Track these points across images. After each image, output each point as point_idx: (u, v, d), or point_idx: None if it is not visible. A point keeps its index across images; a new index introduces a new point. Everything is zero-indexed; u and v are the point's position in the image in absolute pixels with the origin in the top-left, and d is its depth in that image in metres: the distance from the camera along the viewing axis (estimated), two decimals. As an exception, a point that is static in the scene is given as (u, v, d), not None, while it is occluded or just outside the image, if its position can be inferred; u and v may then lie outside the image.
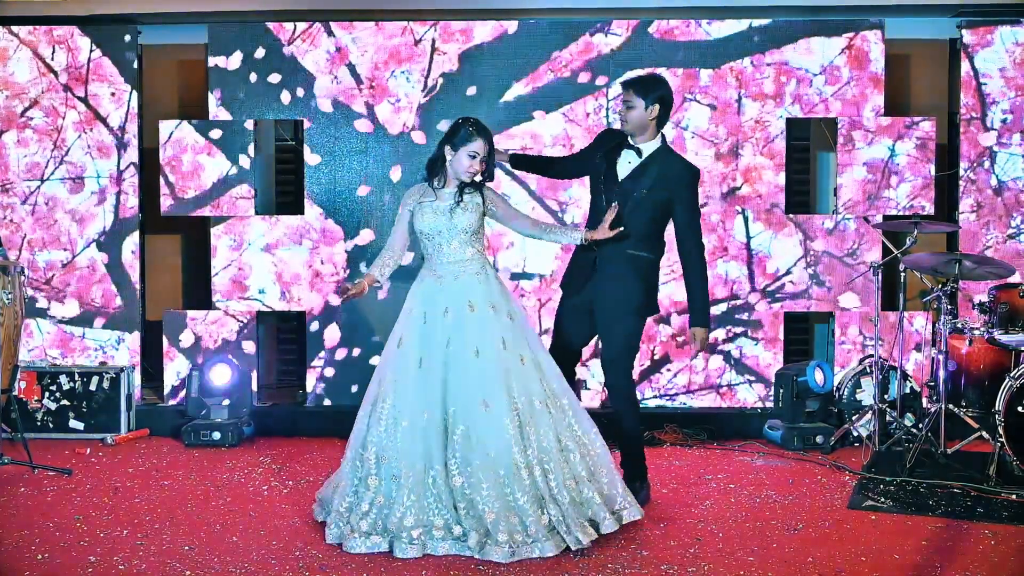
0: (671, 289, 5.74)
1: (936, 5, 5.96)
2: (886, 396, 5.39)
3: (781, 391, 5.57)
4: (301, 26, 5.94)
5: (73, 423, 5.69)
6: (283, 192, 6.30)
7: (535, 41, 5.91)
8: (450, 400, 3.85)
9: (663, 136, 4.32)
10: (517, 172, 5.86)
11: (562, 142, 5.87)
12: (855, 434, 5.39)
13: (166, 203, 5.98)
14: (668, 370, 5.94)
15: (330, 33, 5.93)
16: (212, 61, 5.94)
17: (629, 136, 4.28)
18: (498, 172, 5.83)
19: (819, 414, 5.50)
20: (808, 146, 6.22)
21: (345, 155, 5.95)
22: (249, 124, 5.95)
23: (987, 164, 5.94)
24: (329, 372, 5.95)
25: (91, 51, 5.99)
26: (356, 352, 5.92)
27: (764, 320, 5.93)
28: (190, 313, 6.01)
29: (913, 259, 5.13)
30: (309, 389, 5.97)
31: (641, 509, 3.98)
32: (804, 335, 6.33)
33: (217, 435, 5.48)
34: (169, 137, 5.95)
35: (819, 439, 5.36)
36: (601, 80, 5.89)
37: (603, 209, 4.26)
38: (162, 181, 5.97)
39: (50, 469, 4.88)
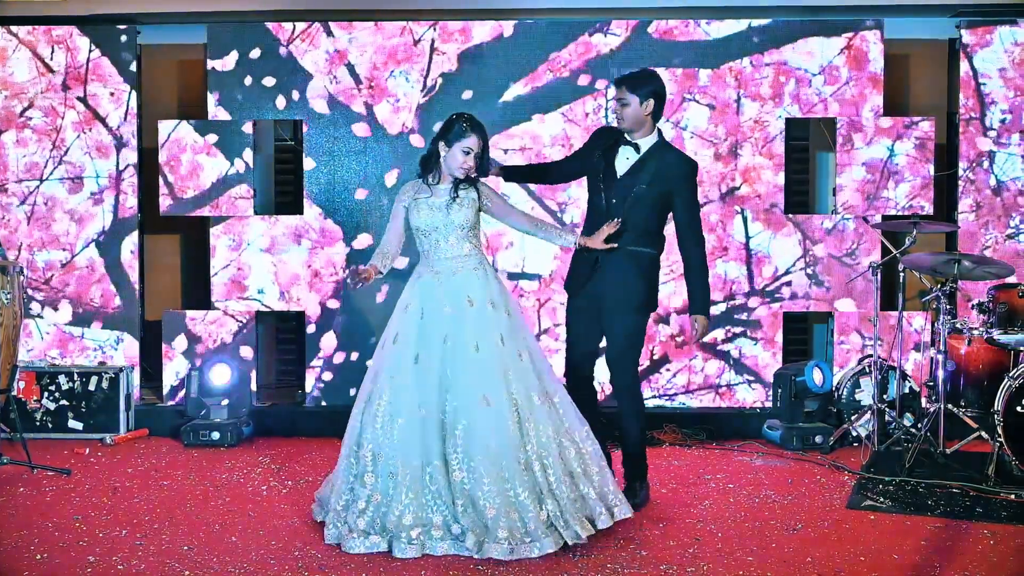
0: (670, 289, 5.75)
1: (935, 5, 5.96)
2: (885, 396, 5.40)
3: (779, 391, 5.57)
4: (300, 26, 5.94)
5: (72, 423, 5.69)
6: (282, 192, 6.30)
7: (534, 41, 5.92)
8: (450, 396, 3.84)
9: (660, 131, 4.33)
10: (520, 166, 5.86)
11: (561, 142, 5.87)
12: (854, 434, 5.39)
13: (165, 203, 5.98)
14: (667, 370, 5.95)
15: (329, 33, 5.93)
16: (211, 61, 5.94)
17: (626, 133, 4.28)
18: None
19: (818, 414, 5.50)
20: (807, 146, 6.23)
21: (344, 155, 5.95)
22: (248, 124, 5.95)
23: (986, 164, 5.94)
24: (327, 376, 5.95)
25: (90, 51, 5.99)
26: (354, 355, 5.92)
27: (763, 320, 5.94)
28: (189, 313, 6.01)
29: (912, 259, 5.13)
30: (308, 389, 5.97)
31: (631, 507, 4.01)
32: (803, 335, 6.33)
33: (216, 435, 5.48)
34: (168, 137, 5.95)
35: (818, 439, 5.37)
36: (600, 80, 5.89)
37: (602, 208, 4.27)
38: (161, 181, 5.97)
39: (49, 469, 4.87)
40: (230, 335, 5.96)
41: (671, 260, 4.60)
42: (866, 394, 5.53)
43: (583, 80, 5.91)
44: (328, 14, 6.02)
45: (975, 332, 5.13)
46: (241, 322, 5.96)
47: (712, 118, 5.90)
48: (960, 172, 5.95)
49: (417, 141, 5.90)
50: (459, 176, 4.00)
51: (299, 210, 6.03)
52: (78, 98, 6.00)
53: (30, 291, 5.94)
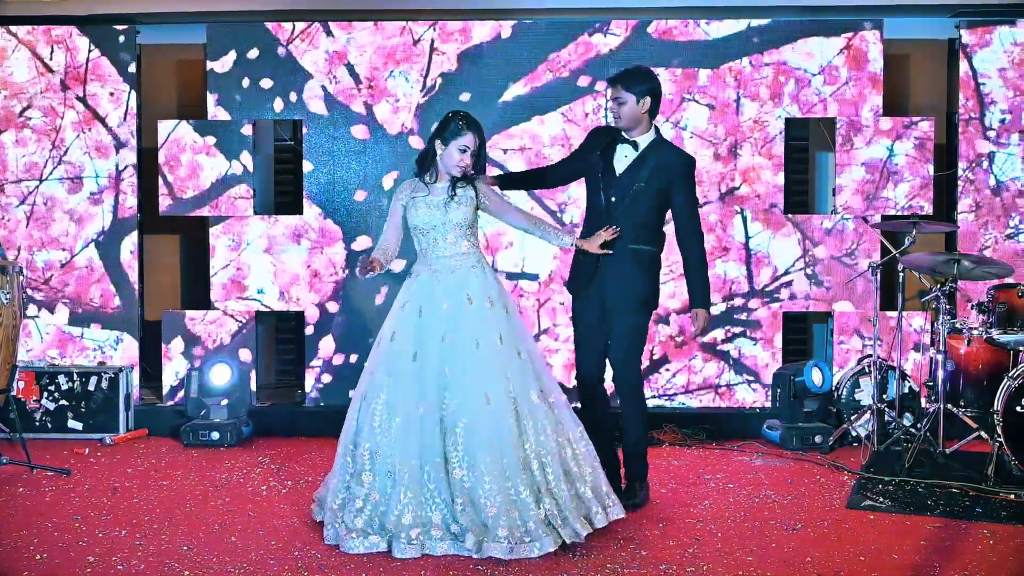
0: (670, 289, 5.75)
1: (935, 5, 5.97)
2: (885, 396, 5.39)
3: (779, 391, 5.57)
4: (300, 26, 5.94)
5: (72, 423, 5.68)
6: (282, 192, 6.30)
7: (534, 41, 5.92)
8: (449, 394, 3.83)
9: (657, 128, 4.33)
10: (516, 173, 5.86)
11: (561, 142, 5.87)
12: (854, 434, 5.39)
13: (165, 203, 5.98)
14: (667, 370, 5.95)
15: (329, 33, 5.93)
16: (210, 61, 5.94)
17: (623, 131, 4.28)
18: (498, 173, 5.86)
19: (818, 414, 5.50)
20: (807, 146, 6.23)
21: (344, 155, 5.95)
22: (248, 124, 5.95)
23: (985, 164, 5.94)
24: (327, 379, 5.96)
25: (89, 51, 5.99)
26: (353, 357, 5.91)
27: (762, 320, 5.94)
28: (189, 313, 6.01)
29: (912, 259, 5.13)
30: (307, 389, 5.97)
31: (623, 508, 4.02)
32: (803, 335, 6.33)
33: (216, 435, 5.47)
34: (168, 137, 5.95)
35: (818, 439, 5.37)
36: (600, 81, 5.88)
37: (601, 207, 4.27)
38: (161, 181, 5.96)
39: (49, 469, 4.87)
40: (229, 335, 5.96)
41: (670, 260, 4.61)
42: (866, 394, 5.53)
43: (583, 80, 5.91)
44: (328, 14, 6.02)
45: (975, 332, 5.13)
46: (241, 322, 5.96)
47: (712, 118, 5.90)
48: (960, 172, 5.95)
49: (417, 142, 5.90)
50: (456, 174, 3.99)
51: (299, 210, 6.03)
52: (78, 98, 6.00)
53: (29, 291, 5.94)
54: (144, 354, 6.08)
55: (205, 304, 6.01)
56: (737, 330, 5.95)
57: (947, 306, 5.11)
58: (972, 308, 5.27)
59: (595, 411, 4.41)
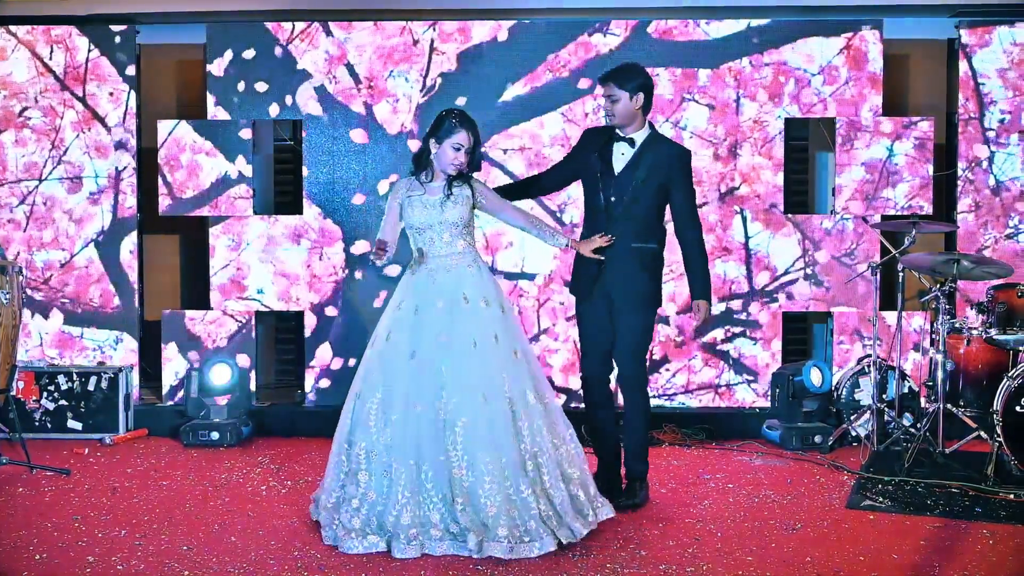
0: (670, 289, 5.75)
1: (934, 5, 5.96)
2: (884, 396, 5.39)
3: (778, 391, 5.58)
4: (300, 26, 5.94)
5: (71, 423, 5.68)
6: (281, 192, 6.30)
7: (533, 41, 5.91)
8: (446, 392, 3.82)
9: (651, 123, 4.33)
10: (516, 173, 5.87)
11: (561, 142, 5.87)
12: (853, 434, 5.39)
13: (164, 203, 5.97)
14: (667, 370, 5.95)
15: (328, 33, 5.93)
16: (210, 61, 5.94)
17: (618, 129, 4.28)
18: (498, 173, 5.88)
19: (817, 414, 5.50)
20: (807, 146, 6.23)
21: (343, 155, 5.95)
22: (247, 124, 5.94)
23: (985, 164, 5.94)
24: (325, 383, 5.95)
25: (89, 51, 5.99)
26: (352, 361, 5.92)
27: (762, 320, 5.94)
28: (188, 313, 6.00)
29: (911, 259, 5.13)
30: (307, 389, 5.97)
31: (623, 507, 4.04)
32: (803, 335, 6.33)
33: (215, 435, 5.47)
34: (168, 137, 5.95)
35: (817, 439, 5.37)
36: (600, 80, 5.88)
37: (601, 207, 4.27)
38: (160, 181, 5.96)
39: (48, 469, 4.87)
40: (229, 335, 5.96)
41: (670, 260, 4.61)
42: (865, 394, 5.53)
43: (583, 80, 5.91)
44: (327, 14, 6.02)
45: (974, 332, 5.13)
46: (240, 322, 5.96)
47: (711, 118, 5.90)
48: (959, 172, 5.95)
49: (416, 143, 5.90)
50: (451, 172, 3.99)
51: (298, 210, 6.03)
52: (77, 98, 6.00)
53: (29, 291, 5.94)
54: (144, 354, 6.08)
55: (205, 304, 6.01)
56: (737, 330, 5.95)
57: (947, 306, 5.11)
58: (972, 308, 5.27)
59: (600, 411, 4.42)
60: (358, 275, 5.94)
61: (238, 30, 5.94)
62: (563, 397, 5.90)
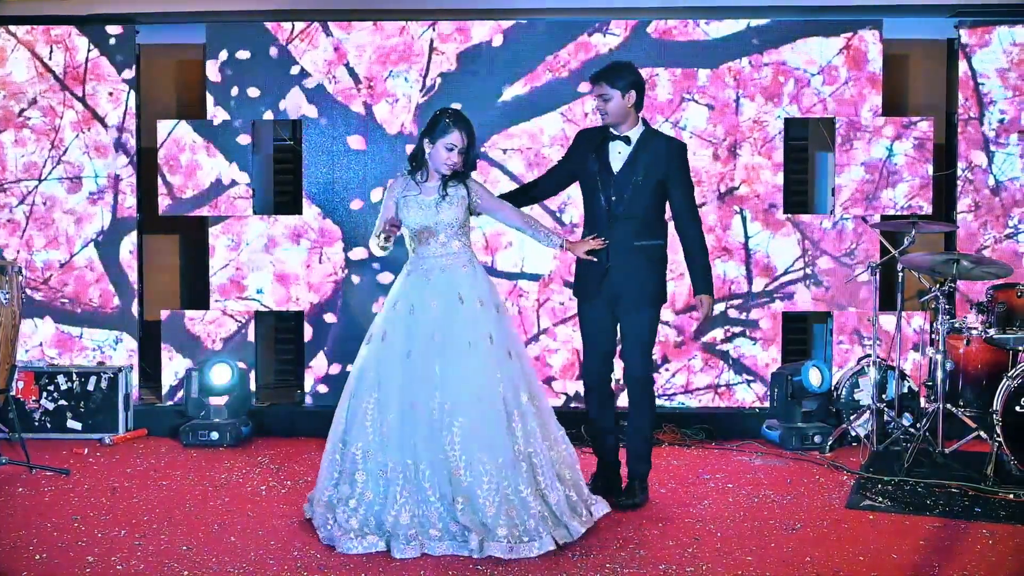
0: (669, 289, 5.72)
1: (934, 5, 5.97)
2: (884, 396, 5.39)
3: (777, 391, 5.58)
4: (299, 26, 5.94)
5: (71, 423, 5.68)
6: (281, 192, 6.30)
7: (533, 41, 5.91)
8: (442, 392, 3.82)
9: (644, 119, 4.33)
10: (515, 173, 5.87)
11: (560, 142, 5.86)
12: (853, 434, 5.39)
13: (164, 203, 5.97)
14: (666, 370, 5.94)
15: (328, 33, 5.93)
16: (209, 60, 5.93)
17: (612, 128, 4.28)
18: (497, 173, 5.88)
19: (817, 414, 5.50)
20: (806, 146, 6.22)
21: (343, 155, 5.95)
22: (247, 124, 5.94)
23: (984, 164, 5.94)
24: (320, 389, 5.95)
25: (89, 51, 5.98)
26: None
27: (762, 320, 5.94)
28: (188, 313, 6.00)
29: (911, 259, 5.13)
30: (307, 389, 5.96)
31: (608, 505, 4.05)
32: (802, 335, 6.33)
33: (215, 435, 5.47)
34: (167, 137, 5.95)
35: (817, 439, 5.37)
36: (599, 80, 5.88)
37: (602, 206, 4.26)
38: (160, 181, 5.96)
39: (48, 469, 4.87)
40: (229, 335, 5.96)
41: (670, 259, 4.61)
42: (865, 394, 5.53)
43: (583, 81, 5.91)
44: (327, 14, 6.02)
45: (974, 332, 5.13)
46: (240, 322, 5.96)
47: (711, 118, 5.90)
48: (959, 172, 5.95)
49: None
50: (444, 172, 3.98)
51: (298, 210, 6.03)
52: (77, 98, 6.00)
53: (29, 291, 5.94)
54: (143, 354, 6.08)
55: (204, 304, 6.01)
56: (737, 330, 5.95)
57: (946, 306, 5.12)
58: (971, 308, 5.27)
59: (601, 411, 4.42)
60: (354, 279, 5.93)
61: (237, 30, 5.94)
62: (563, 397, 5.90)
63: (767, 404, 5.84)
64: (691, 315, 5.89)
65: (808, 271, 5.93)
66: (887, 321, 5.74)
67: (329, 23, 5.93)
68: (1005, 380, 4.73)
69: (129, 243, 6.03)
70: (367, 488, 3.82)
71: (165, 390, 5.99)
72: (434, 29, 5.92)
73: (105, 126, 6.00)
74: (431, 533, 3.71)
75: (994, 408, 4.69)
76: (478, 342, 3.87)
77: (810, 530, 4.05)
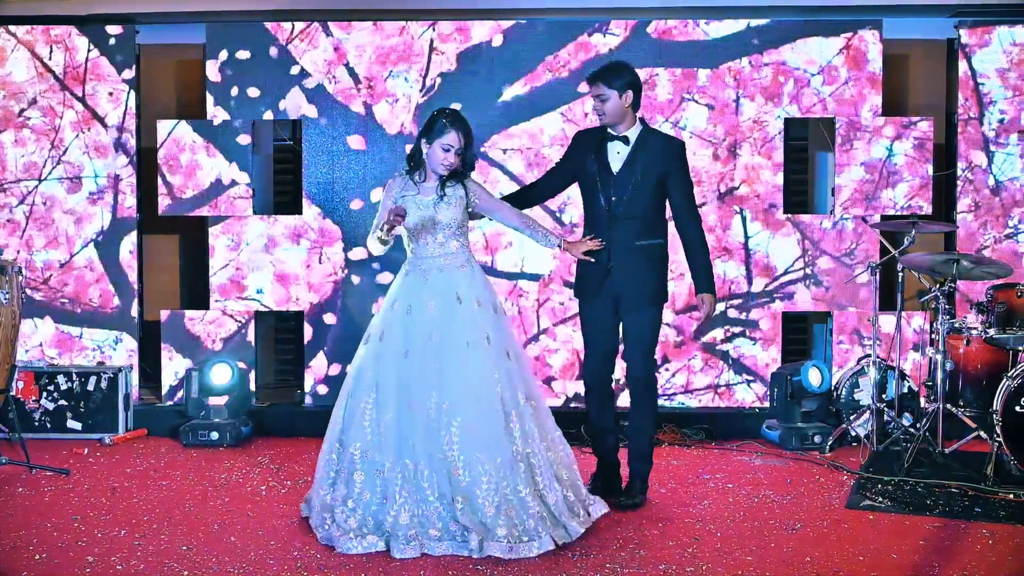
0: (669, 289, 5.73)
1: (934, 5, 5.97)
2: (884, 396, 5.40)
3: (776, 391, 5.58)
4: (299, 26, 5.94)
5: (71, 423, 5.68)
6: (281, 192, 6.30)
7: (533, 41, 5.91)
8: (439, 392, 3.82)
9: (641, 119, 4.33)
10: (516, 173, 5.87)
11: (560, 142, 5.86)
12: (853, 434, 5.39)
13: (164, 203, 5.97)
14: (666, 370, 5.94)
15: (328, 33, 5.93)
16: (209, 60, 5.93)
17: (609, 128, 4.28)
18: (497, 172, 5.88)
19: (817, 414, 5.50)
20: (806, 146, 6.22)
21: (343, 155, 5.95)
22: (247, 124, 5.94)
23: (984, 164, 5.94)
24: (319, 389, 5.95)
25: (89, 51, 5.98)
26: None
27: (762, 320, 5.94)
28: (188, 313, 6.00)
29: (911, 259, 5.13)
30: (307, 389, 5.96)
31: (606, 505, 4.06)
32: (802, 335, 6.33)
33: (215, 435, 5.47)
34: (167, 137, 5.95)
35: (817, 439, 5.37)
36: (599, 80, 5.88)
37: (603, 207, 4.26)
38: (160, 181, 5.96)
39: (48, 469, 4.87)
40: (229, 335, 5.96)
41: (670, 260, 4.61)
42: (865, 394, 5.53)
43: (582, 81, 5.90)
44: (327, 14, 6.02)
45: (974, 332, 5.13)
46: (240, 322, 5.96)
47: (711, 118, 5.90)
48: (959, 172, 5.95)
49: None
50: (441, 173, 3.98)
51: (298, 210, 6.03)
52: (77, 98, 6.00)
53: (29, 291, 5.93)
54: (143, 354, 6.08)
55: (204, 304, 6.01)
56: (736, 330, 5.95)
57: (946, 306, 5.12)
58: (971, 308, 5.27)
59: (601, 411, 4.42)
60: (354, 280, 5.93)
61: (237, 30, 5.94)
62: (563, 397, 5.90)
63: (767, 404, 5.84)
64: (691, 315, 5.89)
65: (808, 271, 5.93)
66: (887, 321, 5.74)
67: (329, 23, 5.93)
68: (1005, 380, 4.73)
69: (129, 243, 6.03)
70: (365, 488, 3.82)
71: (165, 390, 5.99)
72: (434, 29, 5.92)
73: (105, 126, 6.00)
74: (431, 533, 3.71)
75: (994, 408, 4.69)
76: (476, 342, 3.87)
77: (810, 530, 4.05)
